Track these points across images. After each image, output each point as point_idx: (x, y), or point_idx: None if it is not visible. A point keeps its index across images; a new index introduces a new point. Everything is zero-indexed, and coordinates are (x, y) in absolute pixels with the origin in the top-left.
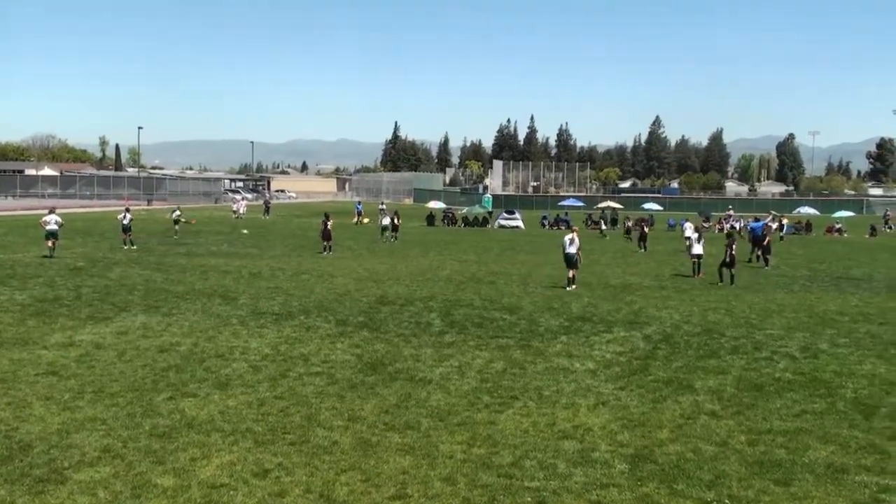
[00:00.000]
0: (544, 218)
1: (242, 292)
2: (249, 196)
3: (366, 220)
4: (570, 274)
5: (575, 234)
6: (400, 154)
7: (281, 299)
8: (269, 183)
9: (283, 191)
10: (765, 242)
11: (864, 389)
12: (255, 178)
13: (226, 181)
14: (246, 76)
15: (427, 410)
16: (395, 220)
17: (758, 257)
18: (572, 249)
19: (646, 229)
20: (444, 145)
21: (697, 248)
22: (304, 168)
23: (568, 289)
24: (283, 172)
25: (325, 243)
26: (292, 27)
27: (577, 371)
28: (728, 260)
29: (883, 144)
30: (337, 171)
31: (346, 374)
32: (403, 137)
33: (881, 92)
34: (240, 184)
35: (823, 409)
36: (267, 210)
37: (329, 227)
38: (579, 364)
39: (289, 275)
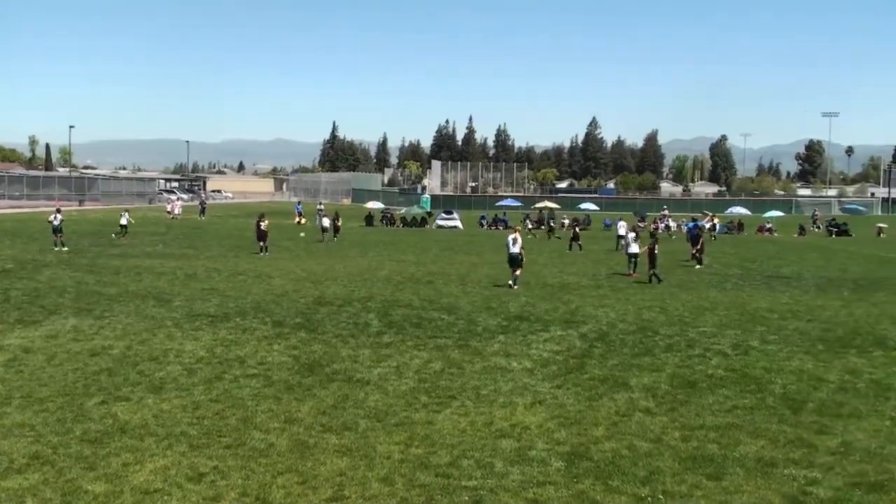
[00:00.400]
0: (482, 218)
1: (177, 294)
2: (185, 196)
3: (303, 221)
4: (516, 273)
5: (517, 233)
6: (338, 154)
7: (217, 301)
8: (204, 183)
9: (219, 191)
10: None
11: (793, 385)
12: (191, 178)
13: (160, 181)
14: (180, 75)
15: (365, 411)
16: (336, 222)
17: (692, 256)
18: (515, 249)
19: (577, 229)
20: (383, 145)
21: (634, 248)
22: (240, 168)
23: (514, 287)
24: (220, 172)
25: (260, 244)
26: (227, 25)
27: (514, 370)
28: (649, 260)
29: (812, 146)
30: (274, 171)
31: (283, 376)
32: (342, 137)
33: (811, 94)
34: (175, 184)
35: (754, 405)
36: (203, 210)
37: (263, 227)
38: (517, 363)
39: (225, 276)
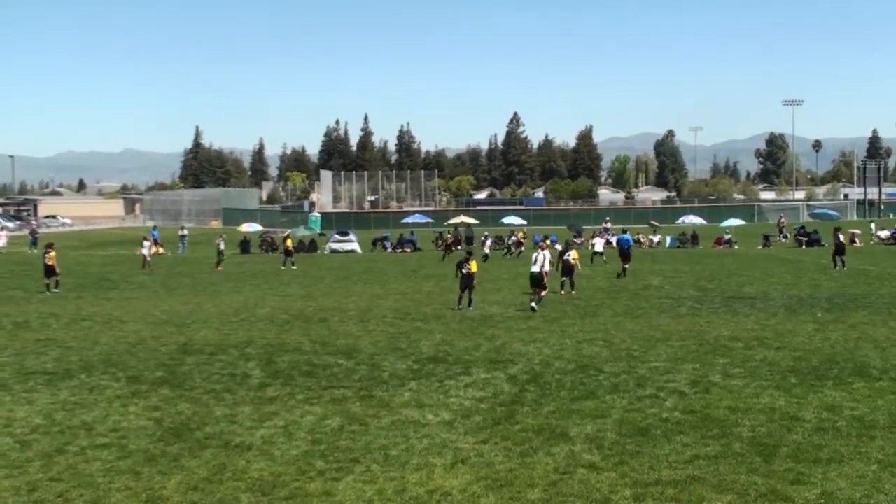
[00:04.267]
0: (385, 238)
1: (4, 347)
2: (11, 225)
3: (161, 250)
4: (542, 293)
5: (546, 250)
6: (203, 166)
7: (55, 354)
8: (35, 207)
9: (54, 216)
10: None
11: (763, 427)
12: (18, 202)
13: None
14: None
15: (246, 483)
16: (220, 246)
17: (624, 271)
18: (536, 268)
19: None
20: (259, 154)
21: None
22: (80, 186)
23: (533, 307)
24: (54, 193)
25: (46, 281)
26: (57, 17)
27: (429, 424)
28: (563, 271)
29: (773, 140)
30: (124, 188)
31: (143, 445)
32: (207, 145)
33: (769, 83)
34: None
35: (718, 453)
36: (34, 241)
37: (48, 261)
38: (432, 415)
39: (65, 322)
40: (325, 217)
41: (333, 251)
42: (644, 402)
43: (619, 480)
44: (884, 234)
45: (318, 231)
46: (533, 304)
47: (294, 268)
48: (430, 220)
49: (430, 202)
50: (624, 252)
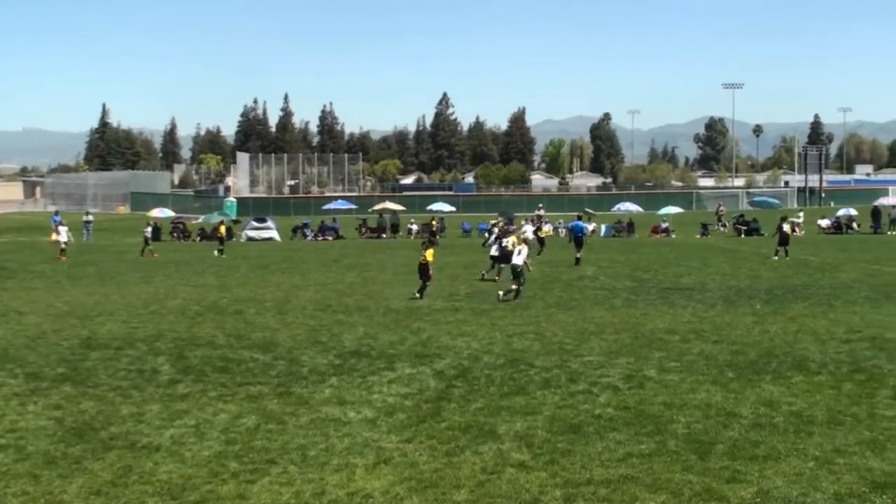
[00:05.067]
0: (305, 226)
1: None
2: None
3: (60, 239)
4: (515, 287)
5: (517, 238)
6: (111, 147)
7: None
8: None
9: None
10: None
11: (699, 423)
12: None
13: None
14: None
15: (154, 487)
16: (147, 233)
17: (576, 260)
18: (519, 260)
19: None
20: (171, 134)
21: (495, 251)
22: None
23: (506, 298)
24: None
25: None
26: None
27: (351, 422)
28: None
29: (712, 125)
30: (24, 171)
31: (42, 446)
32: (115, 125)
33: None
34: None
35: (652, 451)
36: None
37: None
38: (354, 413)
39: None
40: (242, 202)
41: (250, 239)
42: (576, 398)
43: (550, 480)
44: (824, 223)
45: (234, 217)
46: (501, 293)
47: (223, 256)
48: (354, 207)
49: (353, 187)
50: (578, 240)
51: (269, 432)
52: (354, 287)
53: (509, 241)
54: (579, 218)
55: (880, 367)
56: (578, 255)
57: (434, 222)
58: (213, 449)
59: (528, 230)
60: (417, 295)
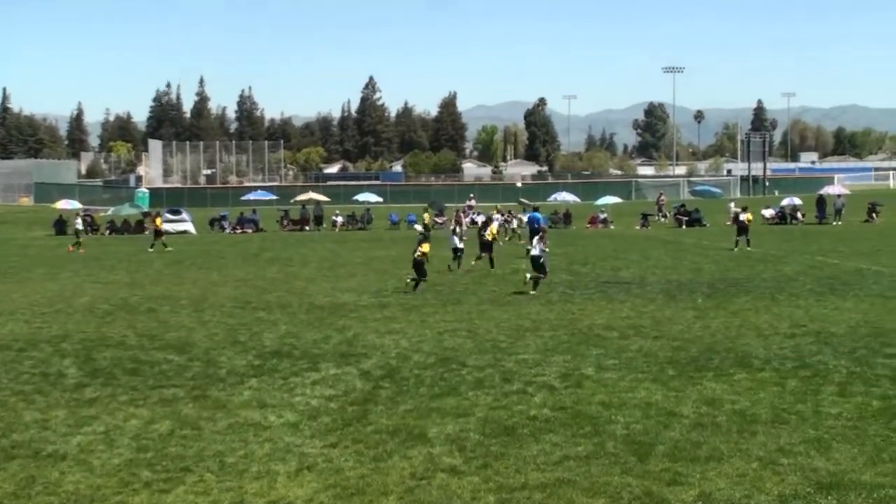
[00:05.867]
0: (223, 218)
1: None
2: None
3: None
4: (528, 277)
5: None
6: (12, 135)
7: None
8: None
9: None
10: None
11: (638, 423)
12: None
13: None
14: None
15: (60, 498)
16: (78, 225)
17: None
18: (536, 251)
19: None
20: (78, 121)
21: (456, 243)
22: None
23: (532, 293)
24: None
25: None
26: None
27: (272, 426)
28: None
29: (652, 111)
30: None
31: None
32: (16, 111)
33: (649, 48)
34: None
35: (590, 453)
36: None
37: None
38: (275, 416)
39: None
40: (155, 193)
41: (164, 232)
42: (510, 399)
43: (483, 485)
44: (768, 213)
45: (146, 209)
46: (533, 292)
47: (169, 249)
48: (275, 197)
49: (274, 177)
50: (534, 231)
51: (183, 438)
52: (276, 283)
53: (487, 232)
54: (536, 209)
55: (825, 363)
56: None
57: (426, 215)
58: (123, 457)
59: (463, 222)
60: (413, 288)
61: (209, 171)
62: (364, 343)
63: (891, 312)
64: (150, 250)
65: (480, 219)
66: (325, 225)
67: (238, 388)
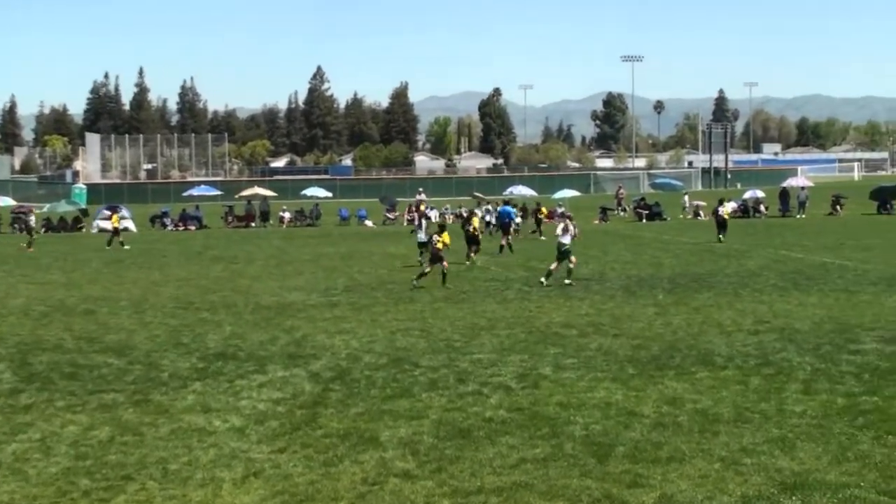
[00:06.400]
0: (165, 214)
1: None
2: None
3: None
4: (553, 266)
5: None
6: None
7: None
8: None
9: None
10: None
11: (597, 424)
12: None
13: None
14: None
15: None
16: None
17: (502, 246)
18: (566, 239)
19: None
20: (10, 114)
21: (422, 237)
22: None
23: (567, 282)
24: None
25: None
26: None
27: (217, 431)
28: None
29: (611, 101)
30: None
31: None
32: None
33: (607, 37)
34: None
35: (548, 455)
36: None
37: None
38: (220, 421)
39: None
40: (93, 189)
41: (102, 230)
42: (465, 400)
43: (437, 490)
44: (730, 206)
45: (83, 206)
46: (567, 281)
47: (126, 247)
48: (219, 193)
49: (218, 171)
50: (504, 226)
51: (124, 445)
52: (220, 282)
53: (470, 226)
54: (507, 203)
55: (789, 360)
56: (503, 244)
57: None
58: (61, 465)
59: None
60: (449, 285)
61: (150, 166)
62: (313, 344)
63: (855, 307)
64: (108, 248)
65: (433, 214)
66: (271, 221)
67: (181, 392)
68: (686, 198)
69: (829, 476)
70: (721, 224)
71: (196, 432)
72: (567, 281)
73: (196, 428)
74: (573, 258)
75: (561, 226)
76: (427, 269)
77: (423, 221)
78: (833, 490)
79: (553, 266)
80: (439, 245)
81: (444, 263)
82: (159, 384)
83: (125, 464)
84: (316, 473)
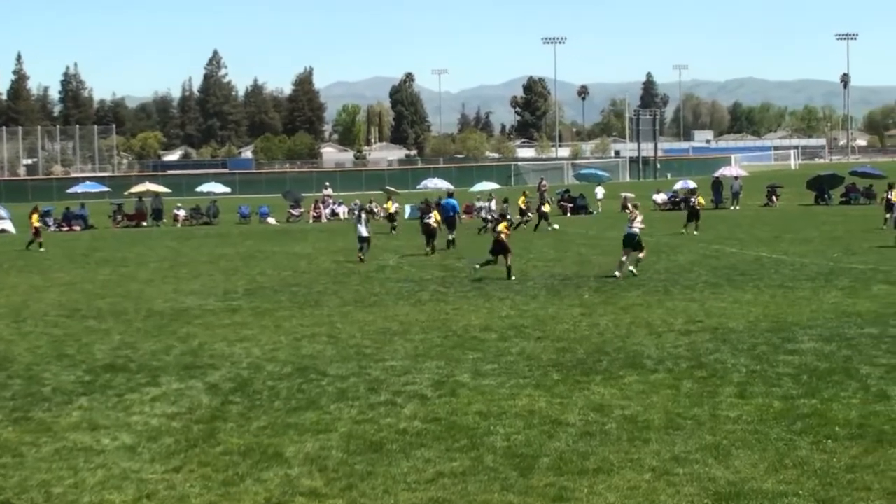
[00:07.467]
0: (47, 213)
1: None
2: None
3: None
4: (624, 257)
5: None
6: None
7: None
8: None
9: None
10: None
11: (520, 434)
12: None
13: None
14: None
15: None
16: None
17: (450, 241)
18: (636, 229)
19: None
20: None
21: (362, 232)
22: None
23: (633, 271)
24: None
25: None
26: None
27: (106, 450)
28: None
29: (532, 87)
30: None
31: None
32: None
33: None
34: None
35: (466, 468)
36: None
37: None
38: (109, 439)
39: None
40: None
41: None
42: (377, 411)
43: None
44: (660, 198)
45: None
46: (632, 269)
47: (42, 250)
48: (107, 190)
49: (105, 166)
50: (449, 219)
51: (3, 467)
52: (108, 286)
53: (431, 219)
54: (450, 195)
55: (723, 362)
56: (450, 238)
57: (389, 203)
58: None
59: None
60: (511, 278)
61: (30, 161)
62: (211, 353)
63: (793, 305)
64: (29, 249)
65: (341, 210)
66: (164, 220)
67: (65, 409)
68: (600, 189)
69: (766, 485)
70: (693, 214)
71: (82, 452)
72: (632, 270)
73: (82, 447)
74: (642, 248)
75: (639, 217)
76: (491, 259)
77: (364, 216)
78: (770, 499)
79: (623, 257)
80: (503, 235)
81: (510, 256)
82: (41, 400)
83: (4, 487)
84: (215, 494)
